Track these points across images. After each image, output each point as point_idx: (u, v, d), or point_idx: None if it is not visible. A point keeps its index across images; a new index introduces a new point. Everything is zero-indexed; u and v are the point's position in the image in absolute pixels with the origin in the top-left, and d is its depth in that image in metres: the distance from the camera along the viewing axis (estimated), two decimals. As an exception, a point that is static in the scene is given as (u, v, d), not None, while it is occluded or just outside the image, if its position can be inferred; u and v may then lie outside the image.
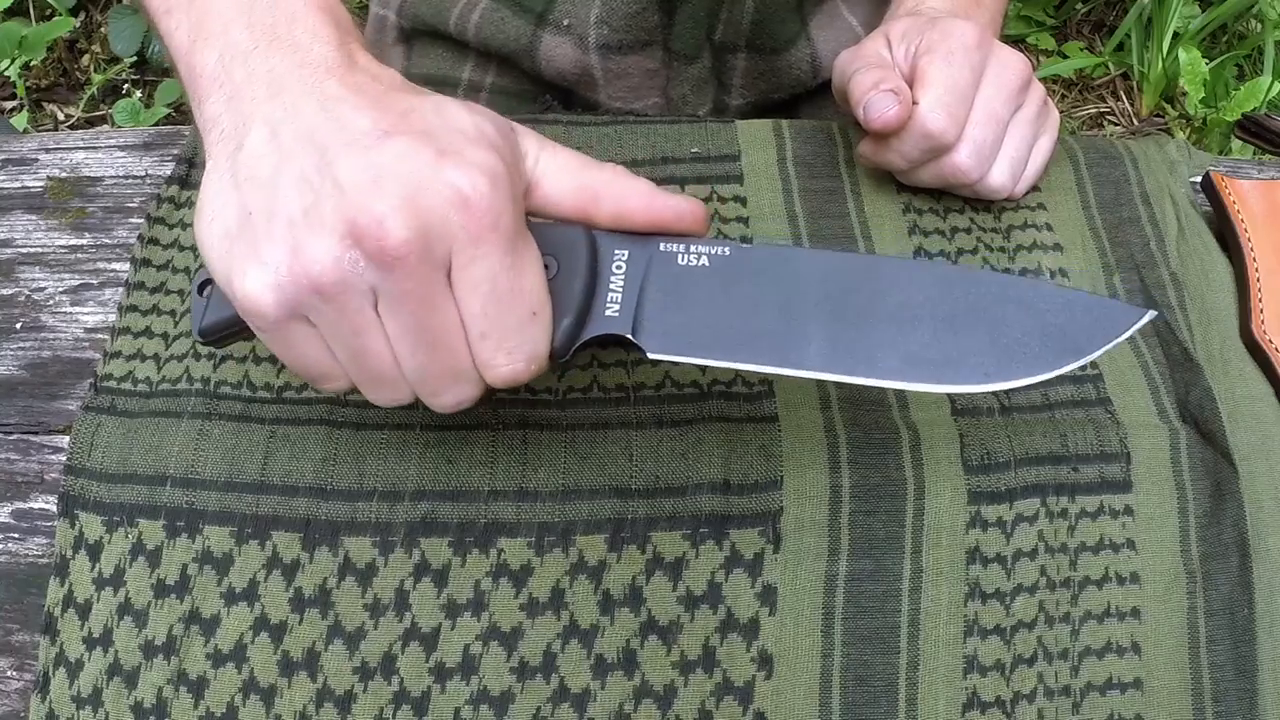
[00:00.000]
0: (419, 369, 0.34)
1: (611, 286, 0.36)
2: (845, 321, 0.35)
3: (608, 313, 0.35)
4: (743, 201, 0.53)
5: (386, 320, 0.33)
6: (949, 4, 0.57)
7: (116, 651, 0.42)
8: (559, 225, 0.36)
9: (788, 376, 0.35)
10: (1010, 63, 0.50)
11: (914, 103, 0.48)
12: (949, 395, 0.47)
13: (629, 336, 0.35)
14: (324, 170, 0.32)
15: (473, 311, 0.33)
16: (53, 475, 0.46)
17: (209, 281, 0.38)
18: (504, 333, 0.33)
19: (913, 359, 0.34)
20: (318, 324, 0.33)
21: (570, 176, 0.36)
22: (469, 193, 0.32)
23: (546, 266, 0.35)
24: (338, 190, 0.31)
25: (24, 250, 0.53)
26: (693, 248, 0.36)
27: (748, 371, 0.35)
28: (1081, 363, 0.34)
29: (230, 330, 0.38)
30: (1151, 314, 0.36)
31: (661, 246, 0.37)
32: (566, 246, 0.35)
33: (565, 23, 0.65)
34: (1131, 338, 0.50)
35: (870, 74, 0.49)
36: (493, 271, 0.32)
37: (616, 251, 0.36)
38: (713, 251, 0.36)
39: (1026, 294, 0.35)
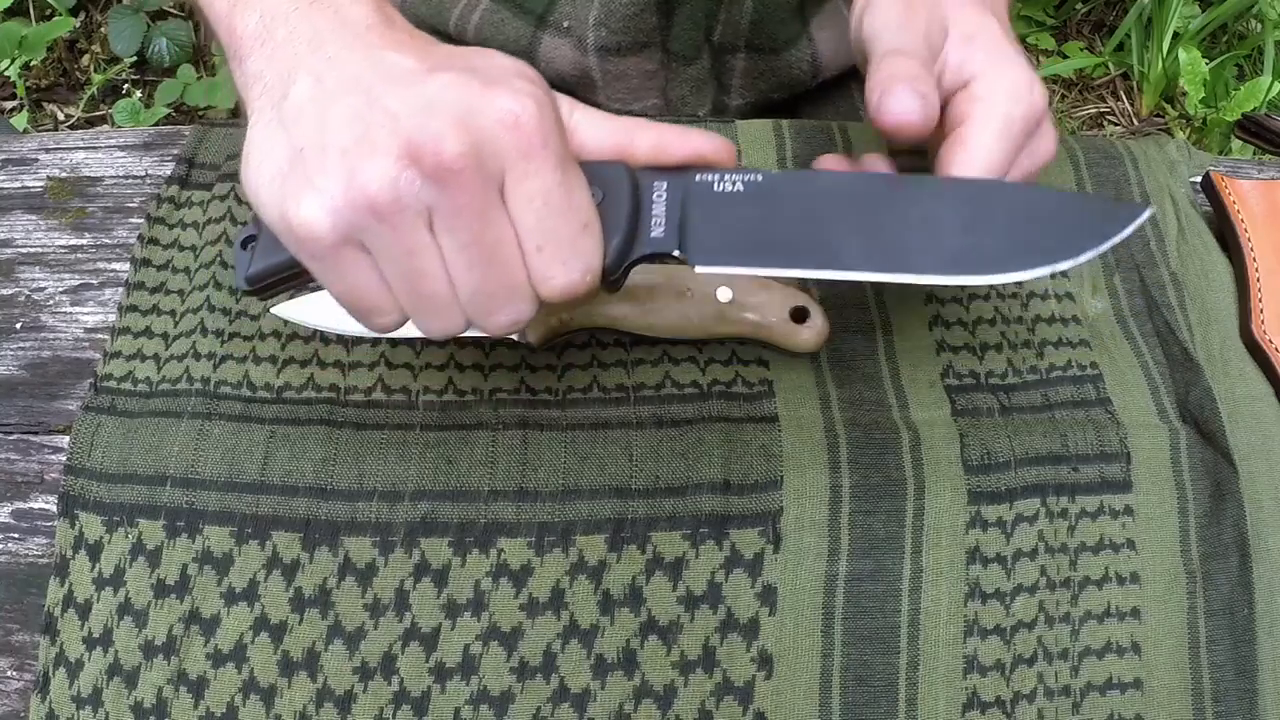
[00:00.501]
0: (474, 287, 0.34)
1: (654, 212, 0.38)
2: (877, 228, 0.37)
3: (653, 234, 0.38)
4: (743, 201, 0.53)
5: (442, 238, 0.33)
6: None
7: (116, 651, 0.42)
8: (599, 162, 0.38)
9: (828, 279, 0.38)
10: (1048, 134, 0.44)
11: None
12: (949, 395, 0.47)
13: (676, 252, 0.38)
14: (373, 104, 0.33)
15: (528, 225, 0.33)
16: (53, 475, 0.46)
17: (252, 237, 0.38)
18: (559, 244, 0.34)
19: (943, 257, 0.37)
20: (372, 248, 0.34)
21: (604, 121, 0.38)
22: (519, 112, 0.33)
23: (592, 194, 0.36)
24: (390, 118, 0.32)
25: (24, 250, 0.53)
26: (727, 176, 0.39)
27: (790, 276, 0.38)
28: (1096, 252, 0.37)
29: (278, 276, 0.38)
30: (1150, 210, 0.38)
31: (697, 177, 0.39)
32: (609, 178, 0.37)
33: (565, 24, 0.65)
34: (1131, 338, 0.50)
35: (903, 63, 0.41)
36: (545, 186, 0.33)
37: (655, 183, 0.38)
38: (746, 179, 0.38)
39: (1037, 198, 0.38)
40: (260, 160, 0.34)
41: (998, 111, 0.41)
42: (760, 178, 0.39)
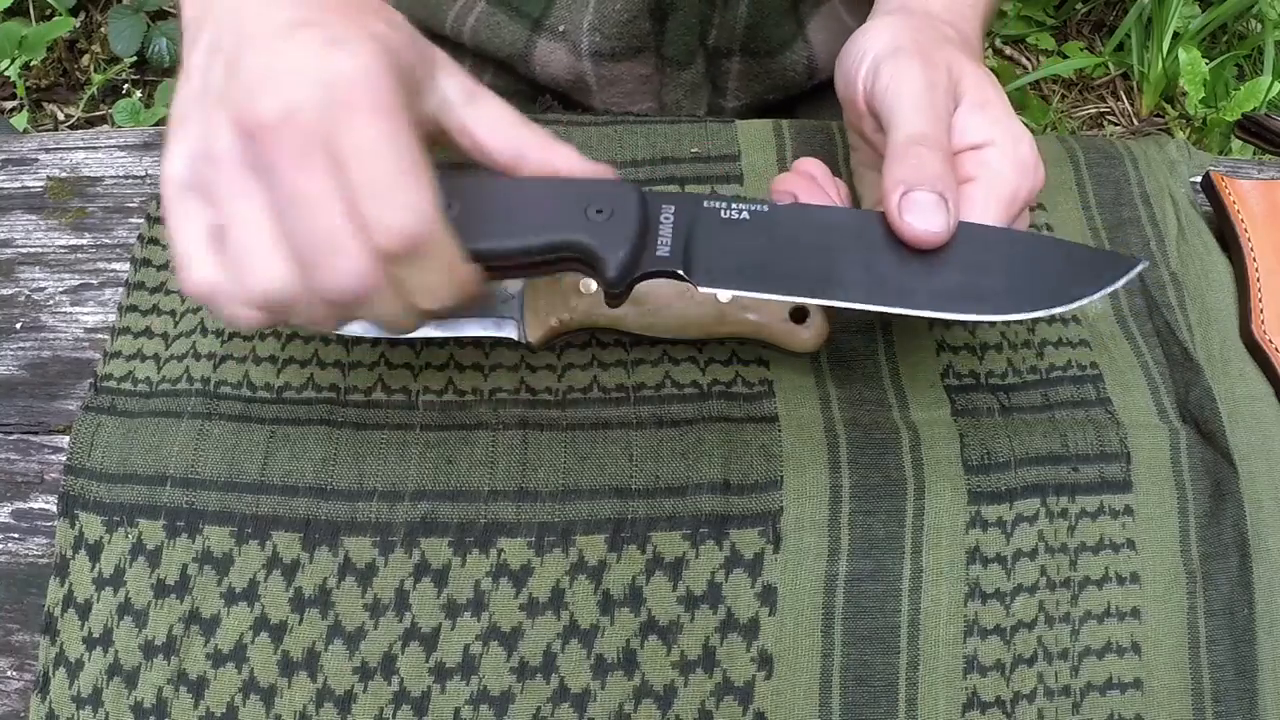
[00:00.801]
0: (299, 239, 0.34)
1: (661, 233, 0.39)
2: (878, 262, 0.39)
3: (659, 253, 0.39)
4: (743, 201, 0.53)
5: (268, 192, 0.34)
6: (947, 2, 0.51)
7: (116, 651, 0.42)
8: (610, 180, 0.39)
9: (827, 306, 0.39)
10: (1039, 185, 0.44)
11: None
12: (949, 395, 0.47)
13: (680, 271, 0.39)
14: (232, 63, 0.34)
15: (352, 176, 0.33)
16: (53, 475, 0.46)
17: None
18: (384, 191, 0.34)
19: (942, 294, 0.38)
20: (210, 200, 0.35)
21: (504, 129, 0.39)
22: (348, 72, 0.33)
23: (599, 212, 0.38)
24: (235, 77, 0.34)
25: (24, 250, 0.53)
26: (733, 204, 0.40)
27: (791, 303, 0.39)
28: (1084, 302, 0.39)
29: None
30: (1143, 264, 0.39)
31: (705, 203, 0.40)
32: (617, 198, 0.39)
33: (560, 29, 0.65)
34: (1131, 338, 0.50)
35: (929, 160, 0.40)
36: (370, 139, 0.33)
37: (664, 206, 0.40)
38: (752, 208, 0.40)
39: (1034, 246, 0.40)
40: (170, 117, 0.37)
41: (1006, 184, 0.41)
42: (766, 208, 0.40)
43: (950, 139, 0.42)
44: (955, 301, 0.38)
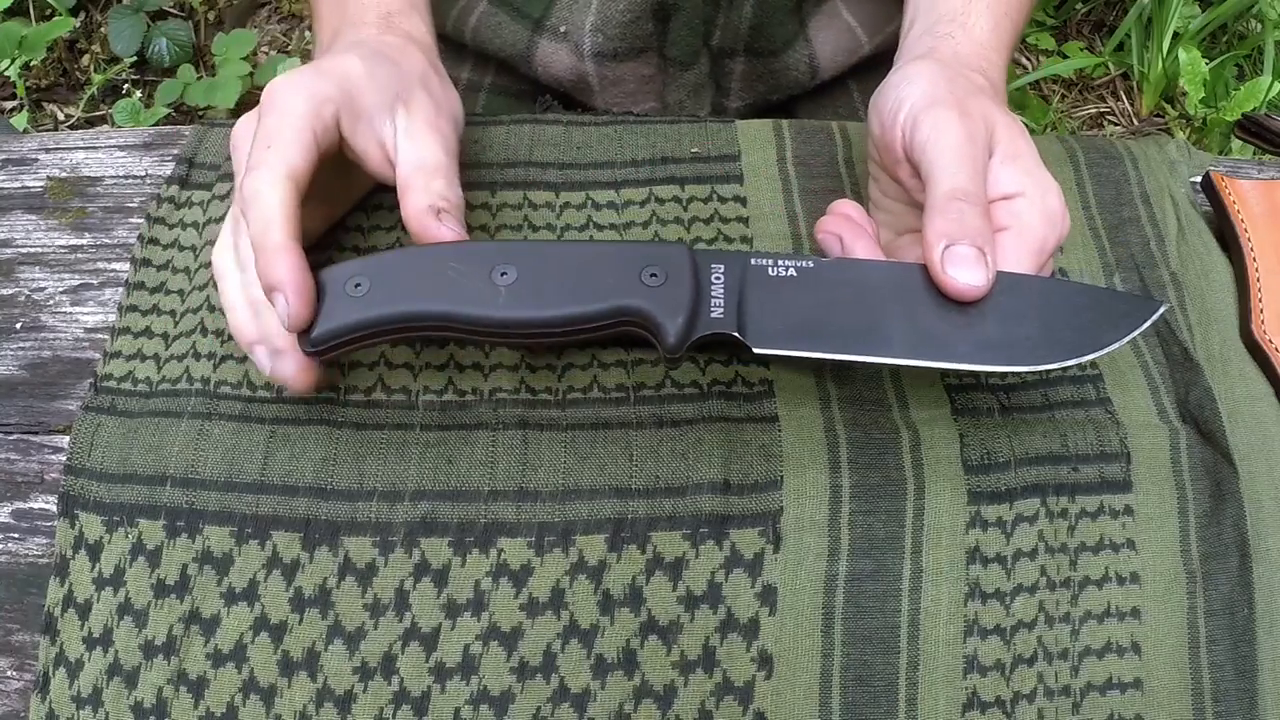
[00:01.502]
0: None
1: (714, 294, 0.41)
2: (919, 316, 0.40)
3: (714, 314, 0.41)
4: (743, 201, 0.53)
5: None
6: (975, 45, 0.51)
7: (116, 651, 0.42)
8: (663, 243, 0.42)
9: (875, 364, 0.41)
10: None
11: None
12: (949, 394, 0.47)
13: (736, 334, 0.40)
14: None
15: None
16: (53, 475, 0.46)
17: None
18: (248, 211, 0.41)
19: (981, 345, 0.40)
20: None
21: (405, 158, 0.45)
22: (239, 124, 0.45)
23: (654, 275, 0.40)
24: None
25: (24, 250, 0.53)
26: (780, 262, 0.42)
27: (843, 362, 0.41)
28: (1114, 348, 0.40)
29: (342, 339, 0.41)
30: (1165, 307, 0.42)
31: (753, 261, 0.42)
32: (671, 260, 0.41)
33: (561, 29, 0.65)
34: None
35: (970, 216, 0.41)
36: (243, 187, 0.42)
37: (714, 265, 0.42)
38: (799, 265, 0.42)
39: (1066, 293, 0.42)
40: None
41: (1036, 235, 0.42)
42: (811, 264, 0.42)
43: (985, 190, 0.43)
44: (994, 352, 0.39)
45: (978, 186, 0.42)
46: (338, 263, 0.42)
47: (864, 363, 0.40)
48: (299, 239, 0.40)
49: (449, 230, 0.43)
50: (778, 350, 0.40)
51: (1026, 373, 0.41)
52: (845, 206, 0.47)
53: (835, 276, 0.41)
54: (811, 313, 0.40)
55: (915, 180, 0.45)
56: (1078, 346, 0.40)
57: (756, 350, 0.40)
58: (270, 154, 0.41)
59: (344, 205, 0.51)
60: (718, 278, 0.41)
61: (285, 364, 0.42)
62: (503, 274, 0.40)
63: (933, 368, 0.40)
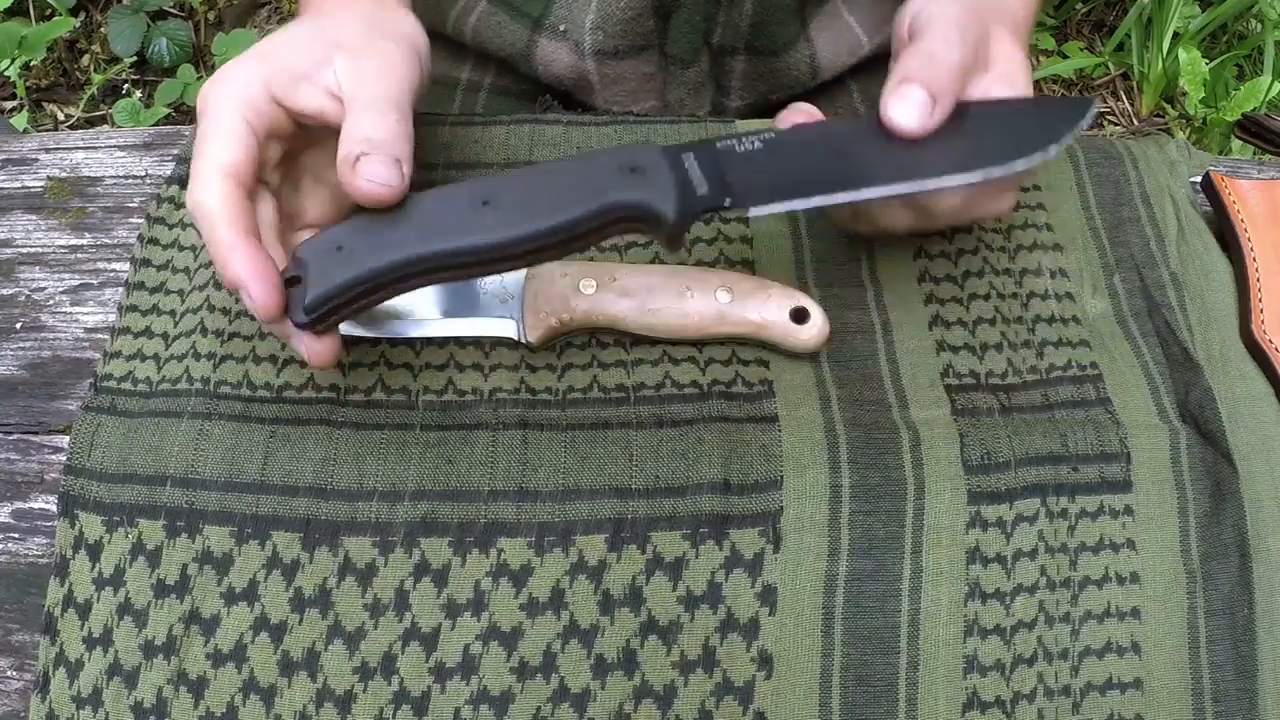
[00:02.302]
0: None
1: (692, 178, 0.42)
2: (889, 150, 0.42)
3: (700, 193, 0.41)
4: (743, 201, 0.53)
5: None
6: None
7: (116, 651, 0.42)
8: (632, 145, 0.43)
9: (864, 200, 0.42)
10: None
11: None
12: (949, 395, 0.47)
13: (727, 202, 0.41)
14: None
15: None
16: (53, 475, 0.46)
17: (295, 278, 0.41)
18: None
19: (957, 162, 0.42)
20: None
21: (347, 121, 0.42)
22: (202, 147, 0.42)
23: (634, 171, 0.41)
24: None
25: (24, 250, 0.53)
26: (744, 139, 0.43)
27: (832, 205, 0.42)
28: (1067, 140, 0.44)
29: (335, 301, 0.41)
30: (1095, 101, 0.46)
31: (719, 144, 0.43)
32: (645, 156, 0.42)
33: (561, 28, 0.65)
34: (1131, 338, 0.50)
35: (933, 66, 0.44)
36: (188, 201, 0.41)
37: (683, 155, 0.42)
38: (762, 137, 0.43)
39: (1011, 106, 0.45)
40: None
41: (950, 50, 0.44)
42: (773, 134, 0.43)
43: (963, 79, 0.44)
44: (970, 162, 0.42)
45: (957, 58, 0.43)
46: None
47: (852, 200, 0.41)
48: (250, 232, 0.40)
49: (367, 180, 0.39)
50: (770, 206, 0.41)
51: (1000, 174, 0.42)
52: (800, 107, 0.47)
53: (800, 139, 0.44)
54: (789, 170, 0.42)
55: None
56: (1038, 143, 0.43)
57: (752, 211, 0.41)
58: (202, 160, 0.40)
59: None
60: (690, 164, 0.42)
61: (297, 346, 0.42)
62: (484, 203, 0.40)
63: (914, 191, 0.42)
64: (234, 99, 0.41)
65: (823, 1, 0.69)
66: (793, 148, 0.43)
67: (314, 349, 0.41)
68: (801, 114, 0.47)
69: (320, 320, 0.40)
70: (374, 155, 0.39)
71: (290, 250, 0.43)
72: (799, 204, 0.41)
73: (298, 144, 0.45)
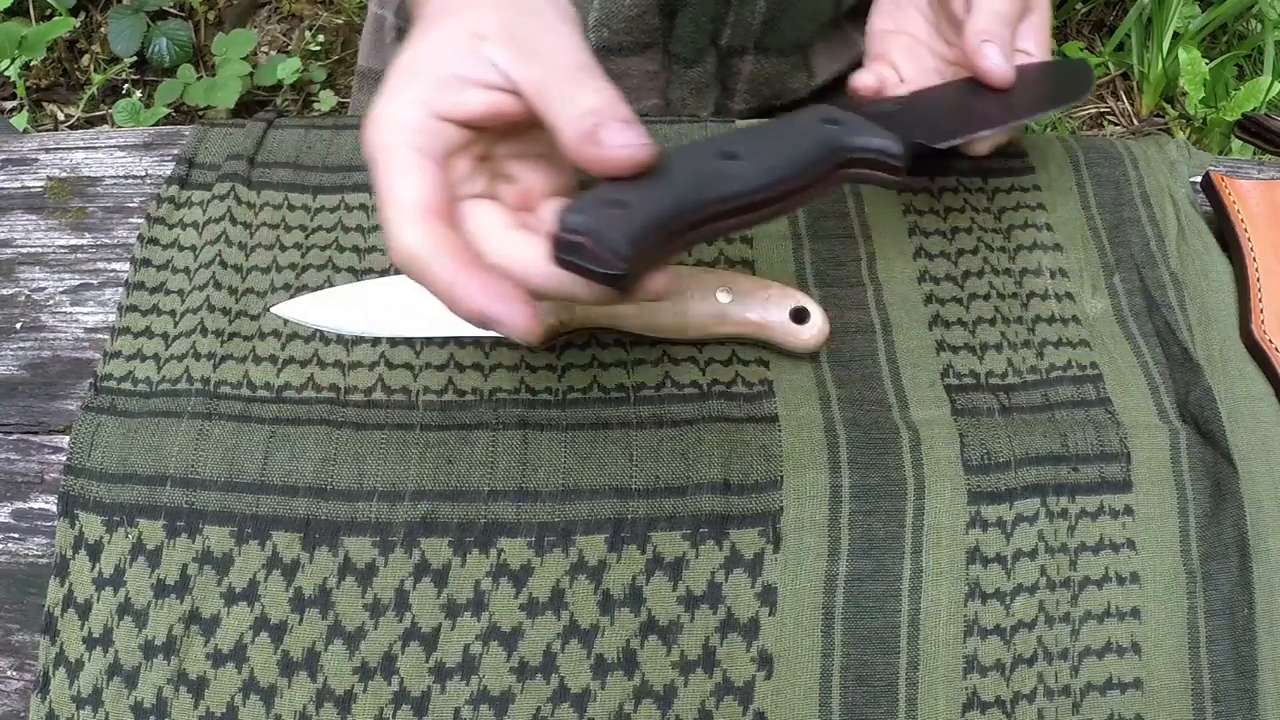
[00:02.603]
0: None
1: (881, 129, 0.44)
2: (990, 99, 0.49)
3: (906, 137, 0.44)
4: (743, 201, 0.53)
5: None
6: None
7: (116, 651, 0.42)
8: (821, 106, 0.44)
9: (988, 134, 0.49)
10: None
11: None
12: (949, 395, 0.47)
13: (931, 142, 0.45)
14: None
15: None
16: (53, 475, 0.46)
17: (574, 244, 0.36)
18: (385, 226, 0.38)
19: (1028, 106, 0.50)
20: None
21: (531, 96, 0.39)
22: (373, 138, 0.38)
23: (838, 124, 0.42)
24: None
25: (24, 250, 0.53)
26: (873, 106, 0.47)
27: (979, 138, 0.49)
28: (1089, 93, 0.55)
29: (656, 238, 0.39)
30: (1092, 73, 0.54)
31: (856, 113, 0.44)
32: (840, 115, 0.43)
33: None
34: (1131, 338, 0.50)
35: (1004, 29, 0.50)
36: (380, 189, 0.38)
37: (854, 113, 0.44)
38: (885, 107, 0.47)
39: (1042, 68, 0.52)
40: None
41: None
42: (893, 104, 0.48)
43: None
44: (1036, 106, 0.50)
45: (1012, 19, 0.51)
46: (566, 209, 0.36)
47: (995, 133, 0.49)
48: (467, 261, 0.36)
49: (617, 148, 0.36)
50: (951, 141, 0.46)
51: (1058, 112, 0.55)
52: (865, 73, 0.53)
53: (921, 103, 0.49)
54: (935, 118, 0.47)
55: (953, 12, 0.53)
56: (1071, 94, 0.52)
57: (939, 145, 0.45)
58: (389, 208, 0.37)
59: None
60: (866, 120, 0.44)
61: (515, 315, 0.36)
62: (727, 156, 0.39)
63: (1025, 122, 0.50)
64: (397, 132, 0.38)
65: (858, 8, 0.69)
66: (921, 107, 0.48)
67: (533, 322, 0.37)
68: (872, 76, 0.52)
69: (642, 261, 0.36)
70: (609, 123, 0.36)
71: (556, 220, 0.36)
72: (960, 139, 0.46)
73: (486, 143, 0.41)
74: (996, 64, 0.49)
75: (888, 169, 0.43)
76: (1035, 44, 0.53)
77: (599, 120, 0.36)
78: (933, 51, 0.55)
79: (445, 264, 0.36)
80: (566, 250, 0.35)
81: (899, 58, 0.55)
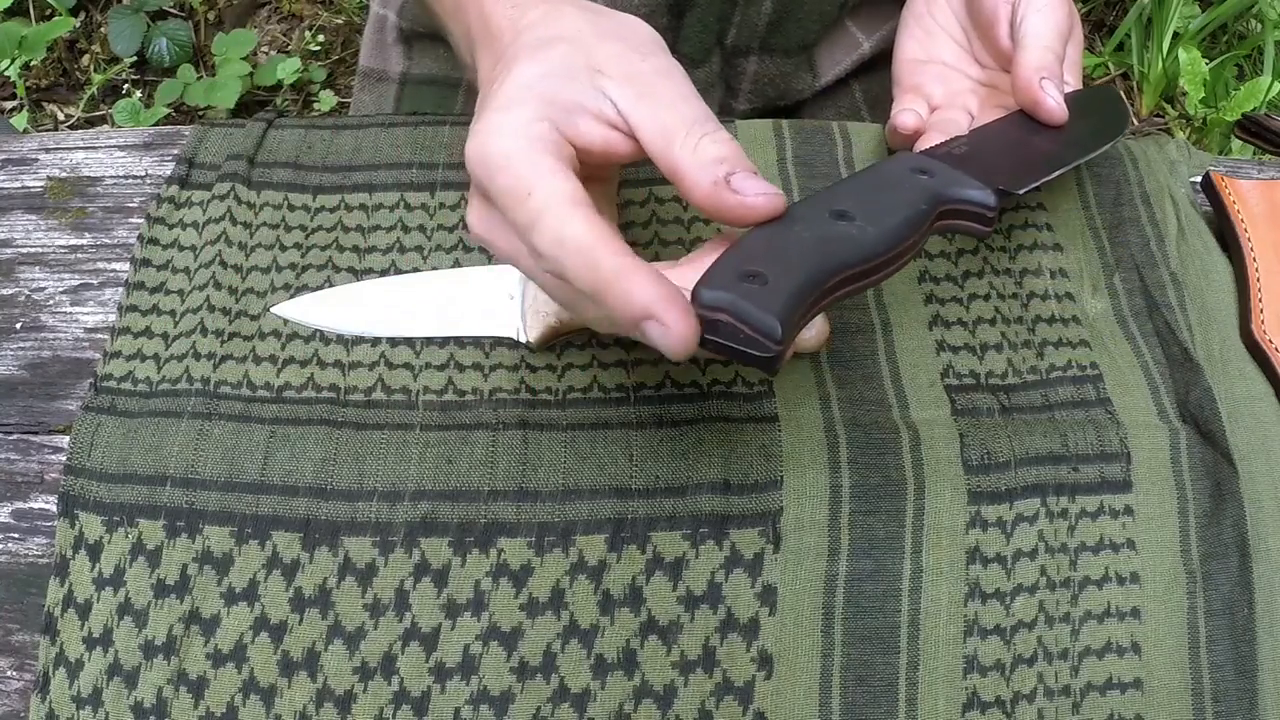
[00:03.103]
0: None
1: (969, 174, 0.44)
2: (1049, 136, 0.50)
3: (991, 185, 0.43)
4: (743, 201, 0.53)
5: None
6: None
7: (116, 651, 0.42)
8: (907, 154, 0.44)
9: (1054, 177, 0.48)
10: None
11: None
12: (949, 395, 0.47)
13: (1012, 190, 0.45)
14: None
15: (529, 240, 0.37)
16: (53, 475, 0.46)
17: (715, 322, 0.35)
18: (546, 253, 0.36)
19: (1080, 143, 0.51)
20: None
21: (648, 137, 0.38)
22: (499, 159, 0.37)
23: (924, 174, 0.42)
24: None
25: (24, 250, 0.53)
26: (949, 147, 0.47)
27: (1037, 185, 0.47)
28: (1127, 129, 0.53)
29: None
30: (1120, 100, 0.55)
31: (939, 157, 0.45)
32: (928, 164, 0.43)
33: None
34: (1131, 338, 0.50)
35: (1054, 64, 0.51)
36: (527, 213, 0.36)
37: (941, 160, 0.44)
38: (958, 146, 0.47)
39: (1082, 97, 0.53)
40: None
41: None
42: (963, 144, 0.48)
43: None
44: (1088, 145, 0.50)
45: (1060, 52, 0.51)
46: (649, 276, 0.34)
47: (1062, 173, 0.48)
48: (631, 253, 0.34)
49: (753, 196, 0.36)
50: (1029, 185, 0.45)
51: (1105, 149, 0.52)
52: (906, 113, 0.54)
53: (986, 141, 0.49)
54: (1007, 162, 0.47)
55: (996, 38, 0.53)
56: (1115, 128, 0.53)
57: (1021, 191, 0.45)
58: (534, 200, 0.35)
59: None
60: (952, 165, 0.44)
61: (680, 320, 0.34)
62: (839, 217, 0.38)
63: (1083, 161, 0.50)
64: (525, 140, 0.37)
65: (860, 4, 0.69)
66: (989, 147, 0.48)
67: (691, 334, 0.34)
68: (912, 116, 0.53)
69: (789, 336, 0.34)
70: (741, 171, 0.36)
71: (695, 297, 0.36)
72: (1035, 182, 0.46)
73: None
74: (1058, 103, 0.49)
75: (981, 220, 0.42)
76: (1073, 74, 0.53)
77: (731, 169, 0.36)
78: (964, 74, 0.56)
79: (615, 253, 0.34)
80: (710, 330, 0.34)
81: (931, 86, 0.55)
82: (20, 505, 0.46)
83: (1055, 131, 0.50)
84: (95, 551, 0.43)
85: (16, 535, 0.45)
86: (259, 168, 0.54)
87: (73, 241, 0.54)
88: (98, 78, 1.48)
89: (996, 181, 0.43)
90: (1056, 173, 0.48)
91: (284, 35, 1.60)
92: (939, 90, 0.55)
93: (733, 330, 0.34)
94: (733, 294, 0.34)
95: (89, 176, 0.56)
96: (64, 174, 0.56)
